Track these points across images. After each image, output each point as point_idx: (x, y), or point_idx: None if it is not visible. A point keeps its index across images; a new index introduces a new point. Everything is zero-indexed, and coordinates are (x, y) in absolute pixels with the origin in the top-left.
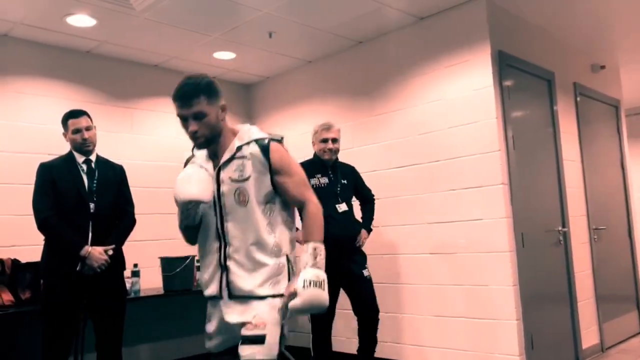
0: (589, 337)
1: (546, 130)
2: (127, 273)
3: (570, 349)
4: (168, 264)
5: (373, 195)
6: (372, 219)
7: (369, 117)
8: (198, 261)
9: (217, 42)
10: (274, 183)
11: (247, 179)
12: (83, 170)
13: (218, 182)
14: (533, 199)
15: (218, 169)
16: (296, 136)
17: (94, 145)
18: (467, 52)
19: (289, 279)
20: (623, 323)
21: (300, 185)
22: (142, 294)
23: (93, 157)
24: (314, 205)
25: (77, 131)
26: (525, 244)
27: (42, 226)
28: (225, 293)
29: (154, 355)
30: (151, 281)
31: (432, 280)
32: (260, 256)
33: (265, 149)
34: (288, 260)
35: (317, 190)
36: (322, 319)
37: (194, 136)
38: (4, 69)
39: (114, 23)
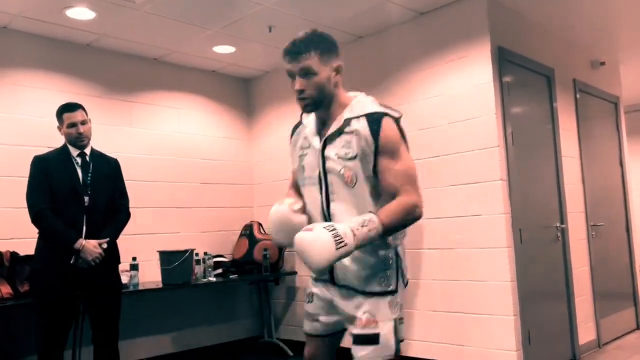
0: (586, 333)
1: (545, 126)
2: (125, 267)
3: (567, 345)
4: (167, 257)
5: None
6: None
7: None
8: (196, 254)
9: (217, 36)
10: (375, 166)
11: (354, 157)
12: (77, 163)
13: (323, 158)
14: (531, 195)
15: (324, 143)
16: None
17: (89, 139)
18: (467, 48)
19: (396, 276)
20: (620, 319)
21: (403, 176)
22: (140, 287)
23: (88, 151)
24: (411, 200)
25: (72, 125)
26: (523, 240)
27: (35, 219)
28: (330, 277)
29: (153, 349)
30: (150, 275)
31: (430, 276)
32: (364, 250)
33: (375, 124)
34: (397, 254)
35: None
36: None
37: (299, 96)
38: (2, 61)
39: (114, 16)
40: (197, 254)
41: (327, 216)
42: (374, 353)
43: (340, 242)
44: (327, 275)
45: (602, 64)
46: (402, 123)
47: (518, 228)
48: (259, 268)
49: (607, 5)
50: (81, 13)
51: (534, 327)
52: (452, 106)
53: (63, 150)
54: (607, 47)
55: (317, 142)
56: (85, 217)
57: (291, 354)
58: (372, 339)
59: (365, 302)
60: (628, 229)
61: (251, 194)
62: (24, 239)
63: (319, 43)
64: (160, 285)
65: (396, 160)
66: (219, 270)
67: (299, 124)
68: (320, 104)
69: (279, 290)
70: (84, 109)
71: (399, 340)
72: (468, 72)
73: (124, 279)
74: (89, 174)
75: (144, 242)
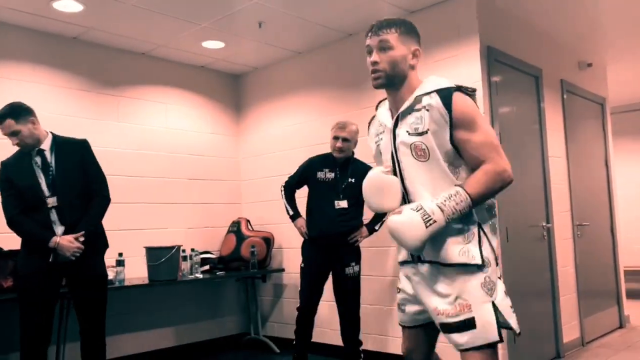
0: (570, 332)
1: (533, 126)
2: (111, 262)
3: (551, 343)
4: (153, 253)
5: None
6: (379, 220)
7: (358, 109)
8: (183, 251)
9: (206, 31)
10: (453, 140)
11: (424, 132)
12: (37, 164)
13: (394, 137)
14: (518, 194)
15: (395, 121)
16: (285, 127)
17: (34, 139)
18: (456, 47)
19: (480, 251)
20: (603, 318)
21: (485, 146)
22: (126, 283)
23: (46, 146)
24: (495, 165)
25: (8, 135)
26: (510, 239)
27: (9, 225)
28: (410, 256)
29: (138, 345)
30: (136, 271)
31: None
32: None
33: (447, 99)
34: (480, 227)
35: (321, 183)
36: (304, 304)
37: (372, 68)
38: None
39: (102, 9)
40: (184, 251)
41: (404, 194)
42: (472, 338)
43: (429, 220)
44: (407, 254)
45: (589, 65)
46: (475, 97)
47: (504, 227)
48: (246, 265)
49: (596, 7)
50: (68, 5)
51: (519, 326)
52: None
53: (22, 152)
54: (594, 49)
55: (389, 122)
56: (56, 216)
57: (278, 351)
58: (467, 324)
59: (450, 282)
60: (612, 229)
61: (239, 191)
62: (6, 234)
63: (400, 24)
64: (147, 282)
65: (474, 131)
66: (206, 267)
67: (374, 117)
68: (392, 80)
69: (266, 287)
70: (12, 117)
71: (500, 325)
72: (457, 71)
73: (110, 274)
74: (50, 174)
75: (130, 237)
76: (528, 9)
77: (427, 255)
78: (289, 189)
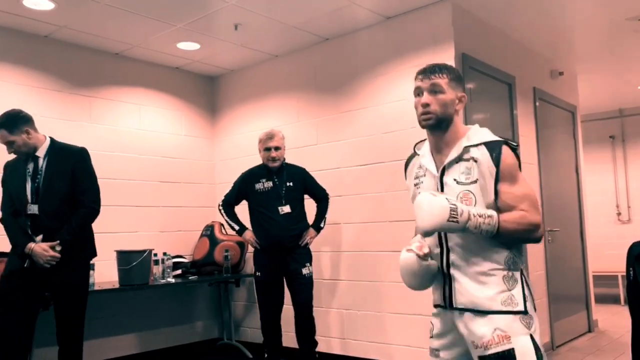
0: (540, 336)
1: (505, 133)
2: None
3: None
4: (124, 257)
5: (326, 195)
6: (322, 217)
7: (334, 114)
8: (155, 255)
9: (181, 32)
10: (496, 191)
11: (474, 182)
12: (29, 171)
13: (442, 185)
14: None
15: (442, 169)
16: (260, 130)
17: (31, 148)
18: (431, 53)
19: (523, 297)
20: (573, 322)
21: (526, 199)
22: (96, 287)
23: (41, 153)
24: (532, 217)
25: (3, 143)
26: None
27: (2, 224)
28: (448, 302)
29: (109, 350)
30: (106, 275)
31: (393, 278)
32: (488, 266)
33: (496, 154)
34: (522, 274)
35: (262, 193)
36: (269, 313)
37: (424, 110)
38: None
39: (74, 7)
40: (155, 254)
41: (443, 240)
42: None
43: (454, 217)
44: (442, 299)
45: (561, 74)
46: (519, 151)
47: None
48: (219, 269)
49: (567, 17)
50: (39, 3)
51: None
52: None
53: (19, 157)
54: (566, 58)
55: (434, 169)
56: (34, 225)
57: (250, 356)
58: (506, 356)
59: (492, 321)
60: (582, 235)
61: (213, 194)
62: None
63: (450, 70)
64: (117, 286)
65: (516, 185)
66: (178, 271)
67: (414, 154)
68: (441, 123)
69: (240, 292)
70: (9, 127)
71: (540, 356)
72: None
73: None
74: (37, 181)
75: (101, 241)
76: (502, 19)
77: (462, 302)
78: (228, 206)
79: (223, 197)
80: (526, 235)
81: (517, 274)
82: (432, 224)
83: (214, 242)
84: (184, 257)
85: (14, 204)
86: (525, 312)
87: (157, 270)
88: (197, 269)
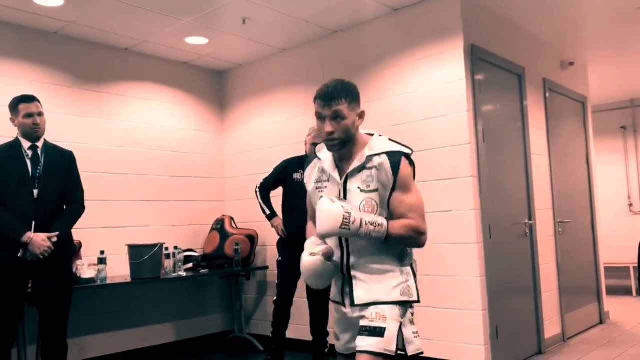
0: (551, 328)
1: (515, 124)
2: (93, 260)
3: (533, 339)
4: (136, 251)
5: None
6: None
7: None
8: (166, 249)
9: (190, 27)
10: (389, 197)
11: (375, 190)
12: (28, 156)
13: (345, 191)
14: (501, 191)
15: (346, 177)
16: (269, 124)
17: (44, 132)
18: (440, 45)
19: (416, 287)
20: (584, 314)
21: (415, 208)
22: (108, 281)
23: (40, 144)
24: (420, 226)
25: (29, 116)
26: (493, 236)
27: None
28: (347, 301)
29: (121, 344)
30: (118, 269)
31: None
32: (385, 264)
33: (395, 164)
34: (412, 267)
35: (297, 184)
36: (282, 305)
37: (329, 137)
38: None
39: (83, 3)
40: (167, 248)
41: (344, 245)
42: (376, 345)
43: (346, 225)
44: (340, 297)
45: (571, 64)
46: (412, 157)
47: (487, 224)
48: (230, 263)
49: (577, 6)
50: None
51: (501, 322)
52: (425, 103)
53: (15, 143)
54: (576, 48)
55: (337, 176)
56: (34, 210)
57: (262, 348)
58: (377, 332)
59: (380, 305)
60: (593, 226)
61: (223, 188)
62: None
63: (348, 92)
64: (129, 280)
65: (408, 194)
66: (189, 265)
67: (314, 157)
68: (346, 144)
69: (250, 285)
70: (39, 102)
71: (403, 343)
72: (441, 69)
73: (92, 272)
74: (39, 167)
75: (113, 235)
76: (512, 9)
77: (363, 299)
78: (265, 190)
79: (261, 180)
80: (411, 241)
81: (409, 268)
82: (327, 229)
83: (224, 235)
84: (195, 251)
85: (5, 189)
86: (418, 301)
87: (168, 264)
88: (208, 262)
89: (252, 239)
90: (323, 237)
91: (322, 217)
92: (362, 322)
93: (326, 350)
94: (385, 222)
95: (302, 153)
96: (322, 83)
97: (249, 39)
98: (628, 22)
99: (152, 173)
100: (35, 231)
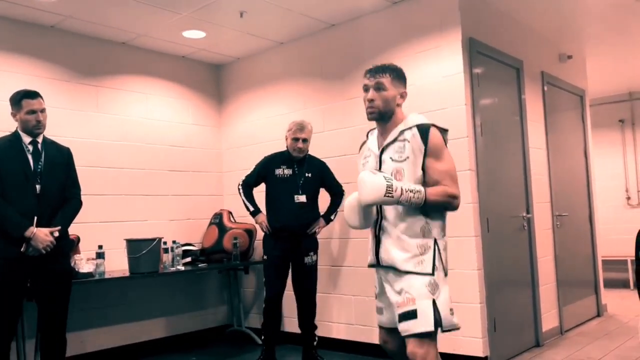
0: (549, 320)
1: (513, 118)
2: (91, 255)
3: (531, 332)
4: (134, 245)
5: (342, 190)
6: (334, 211)
7: (340, 100)
8: (164, 243)
9: (187, 20)
10: (423, 166)
11: (405, 159)
12: (29, 150)
13: (380, 162)
14: (499, 185)
15: (382, 150)
16: (267, 118)
17: (45, 128)
18: (438, 38)
19: (433, 262)
20: (582, 307)
21: (446, 174)
22: (107, 276)
23: (40, 139)
24: (453, 190)
25: (31, 112)
26: (490, 229)
27: None
28: (376, 260)
29: (120, 338)
30: (116, 263)
31: None
32: (406, 235)
33: (424, 133)
34: (436, 243)
35: (280, 179)
36: (273, 295)
37: (369, 105)
38: None
39: None
40: (165, 243)
41: (379, 209)
42: (413, 326)
43: (389, 193)
44: (374, 258)
45: (570, 57)
46: (447, 137)
47: (485, 217)
48: (228, 257)
49: (574, 0)
50: None
51: (499, 315)
52: (423, 96)
53: (14, 137)
54: (574, 41)
55: (376, 149)
56: (37, 205)
57: (260, 342)
58: (410, 315)
59: (402, 280)
60: (591, 219)
61: (221, 182)
62: None
63: (393, 70)
64: (127, 274)
65: (440, 161)
66: (188, 259)
67: (366, 140)
68: (384, 115)
69: (249, 279)
70: (42, 98)
71: (438, 318)
72: (439, 62)
73: (90, 267)
74: (40, 162)
75: (111, 229)
76: (510, 2)
77: (386, 262)
78: (247, 187)
79: (244, 178)
80: (447, 205)
81: (430, 242)
82: (372, 199)
83: (222, 230)
84: (193, 245)
85: (6, 186)
86: (432, 274)
87: (166, 258)
88: (207, 256)
89: (250, 233)
90: (368, 206)
91: (365, 188)
92: (397, 311)
93: (315, 344)
94: (423, 189)
95: (276, 150)
96: (320, 77)
97: (246, 32)
98: (627, 15)
99: (150, 167)
100: (37, 226)
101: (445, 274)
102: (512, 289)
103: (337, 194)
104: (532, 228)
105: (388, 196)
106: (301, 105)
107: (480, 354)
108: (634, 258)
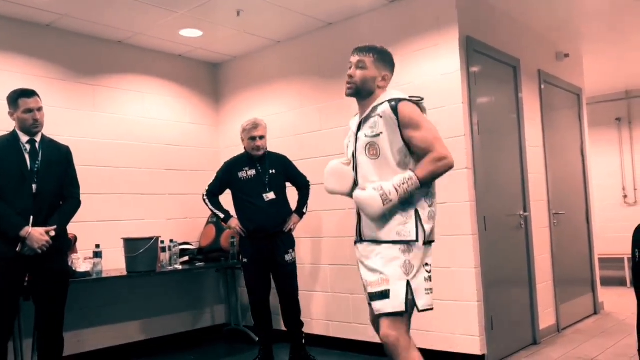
0: (546, 318)
1: (510, 116)
2: (88, 254)
3: (528, 330)
4: (131, 244)
5: (307, 182)
6: (304, 204)
7: (337, 99)
8: (162, 242)
9: (184, 19)
10: (404, 139)
11: (378, 134)
12: (26, 150)
13: (356, 139)
14: (496, 183)
15: (358, 128)
16: (263, 117)
17: (42, 127)
18: (436, 37)
19: (416, 230)
20: (578, 305)
21: (427, 139)
22: (104, 275)
23: (38, 138)
24: (438, 154)
25: (28, 111)
26: (488, 228)
27: None
28: (359, 237)
29: (117, 337)
30: (114, 262)
31: None
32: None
33: (394, 107)
34: (417, 213)
35: (245, 181)
36: (258, 298)
37: (348, 80)
38: None
39: None
40: (162, 242)
41: (355, 184)
42: (384, 306)
43: (387, 200)
44: (356, 234)
45: (567, 56)
46: (423, 104)
47: (482, 216)
48: (226, 255)
49: None
50: None
51: (496, 313)
52: (420, 94)
53: (12, 136)
54: (571, 40)
55: (355, 127)
56: (33, 204)
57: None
58: (383, 295)
59: (380, 254)
60: (587, 218)
61: None
62: None
63: (379, 51)
64: (125, 273)
65: (419, 129)
66: (185, 258)
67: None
68: (360, 92)
69: None
70: (39, 96)
71: (411, 299)
72: (436, 61)
73: (88, 266)
74: (37, 161)
75: (108, 229)
76: (507, 0)
77: (367, 235)
78: (212, 195)
79: (207, 188)
80: (441, 171)
81: (412, 211)
82: (376, 213)
83: (220, 229)
84: (191, 244)
85: (4, 183)
86: (416, 241)
87: (164, 257)
88: (204, 255)
89: None
90: (377, 219)
91: (367, 207)
92: (369, 290)
93: (303, 341)
94: (411, 173)
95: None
96: (317, 75)
97: (243, 31)
98: (624, 14)
99: (147, 166)
100: (33, 226)
101: (428, 243)
102: (509, 287)
103: (303, 186)
104: (529, 226)
105: (387, 203)
106: (298, 103)
107: (478, 352)
108: (630, 256)
